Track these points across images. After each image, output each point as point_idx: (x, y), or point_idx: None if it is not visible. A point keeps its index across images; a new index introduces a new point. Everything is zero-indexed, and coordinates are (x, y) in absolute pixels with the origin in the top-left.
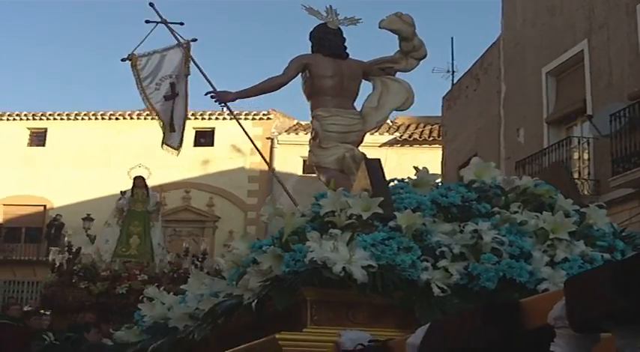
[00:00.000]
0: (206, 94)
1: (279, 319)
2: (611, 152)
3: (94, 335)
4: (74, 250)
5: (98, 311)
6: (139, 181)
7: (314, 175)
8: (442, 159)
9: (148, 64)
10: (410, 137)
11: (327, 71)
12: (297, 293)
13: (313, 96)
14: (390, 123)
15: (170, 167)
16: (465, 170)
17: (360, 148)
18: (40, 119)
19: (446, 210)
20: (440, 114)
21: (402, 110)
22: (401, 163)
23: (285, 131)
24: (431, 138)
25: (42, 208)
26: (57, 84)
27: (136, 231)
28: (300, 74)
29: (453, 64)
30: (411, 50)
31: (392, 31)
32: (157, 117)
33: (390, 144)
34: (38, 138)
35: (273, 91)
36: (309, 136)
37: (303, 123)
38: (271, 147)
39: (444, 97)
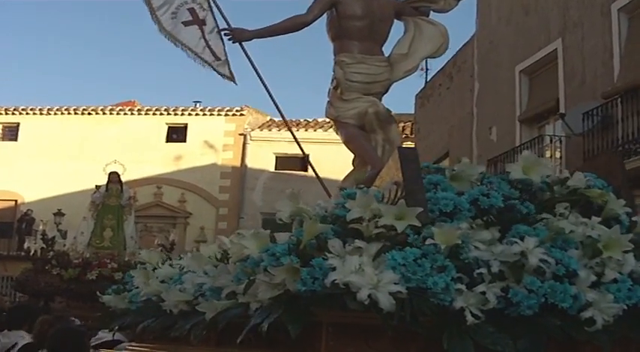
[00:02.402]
0: (219, 31)
1: (288, 337)
2: (583, 151)
3: (59, 303)
4: (49, 239)
5: (69, 296)
6: (113, 176)
7: (286, 171)
8: None
9: None
10: None
11: (357, 11)
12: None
13: (338, 38)
14: None
15: (142, 162)
16: (512, 166)
17: (331, 146)
18: (13, 113)
19: (486, 212)
20: (413, 112)
21: (434, 57)
22: None
23: (258, 127)
24: (403, 136)
25: (13, 203)
26: (29, 78)
27: (110, 224)
28: (325, 13)
29: (426, 61)
30: None
31: None
32: (179, 45)
33: None
34: (10, 132)
35: (295, 31)
36: (281, 133)
37: (276, 119)
38: (244, 144)
39: (417, 95)
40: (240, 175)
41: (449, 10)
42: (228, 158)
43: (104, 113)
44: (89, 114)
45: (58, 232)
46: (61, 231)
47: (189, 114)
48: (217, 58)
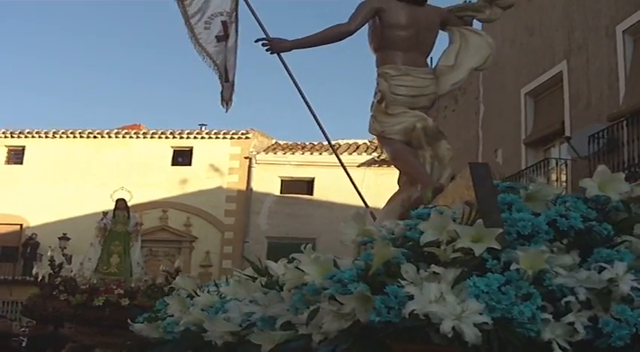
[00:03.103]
0: (257, 41)
1: None
2: (589, 174)
3: (67, 330)
4: (57, 265)
5: (77, 322)
6: (120, 203)
7: (291, 195)
8: None
9: None
10: None
11: (402, 20)
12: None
13: (381, 49)
14: (369, 143)
15: (147, 186)
16: (587, 181)
17: (337, 169)
18: (18, 137)
19: (564, 234)
20: None
21: (481, 69)
22: (379, 183)
23: (264, 150)
24: None
25: (18, 227)
26: (35, 101)
27: (117, 250)
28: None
29: None
30: None
31: None
32: (208, 61)
33: (368, 164)
34: (16, 156)
35: (337, 41)
36: (287, 156)
37: (281, 142)
38: (249, 167)
39: None
40: (246, 199)
41: (494, 20)
42: (234, 181)
43: (110, 136)
44: (95, 137)
45: (63, 256)
46: (65, 256)
47: (195, 138)
48: (226, 79)
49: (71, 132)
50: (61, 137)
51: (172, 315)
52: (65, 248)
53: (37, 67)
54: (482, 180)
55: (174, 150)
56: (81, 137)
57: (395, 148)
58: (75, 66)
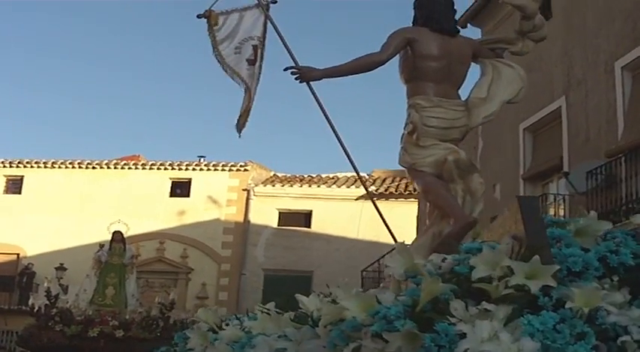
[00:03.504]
0: (285, 69)
1: None
2: (587, 209)
3: None
4: (53, 296)
5: None
6: (117, 236)
7: (289, 228)
8: (418, 213)
9: (226, 24)
10: (386, 190)
11: (434, 51)
12: None
13: (412, 80)
14: (367, 176)
15: (145, 217)
16: (638, 217)
17: (334, 202)
18: (17, 166)
19: (613, 271)
20: None
21: (513, 102)
22: (376, 217)
23: (262, 182)
24: (407, 192)
25: (15, 256)
26: (34, 131)
27: (112, 282)
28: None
29: None
30: (531, 30)
31: (514, 7)
32: (241, 83)
33: (366, 197)
34: (14, 185)
35: (368, 71)
36: (285, 189)
37: (279, 174)
38: (247, 199)
39: None
40: (243, 231)
41: (526, 53)
42: (232, 213)
43: (108, 167)
44: (93, 168)
45: (59, 287)
46: (62, 286)
47: (194, 169)
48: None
49: (70, 163)
50: (59, 167)
51: (192, 349)
52: (62, 278)
53: (36, 97)
54: (531, 214)
55: (173, 182)
56: (79, 167)
57: (426, 181)
58: (74, 96)
